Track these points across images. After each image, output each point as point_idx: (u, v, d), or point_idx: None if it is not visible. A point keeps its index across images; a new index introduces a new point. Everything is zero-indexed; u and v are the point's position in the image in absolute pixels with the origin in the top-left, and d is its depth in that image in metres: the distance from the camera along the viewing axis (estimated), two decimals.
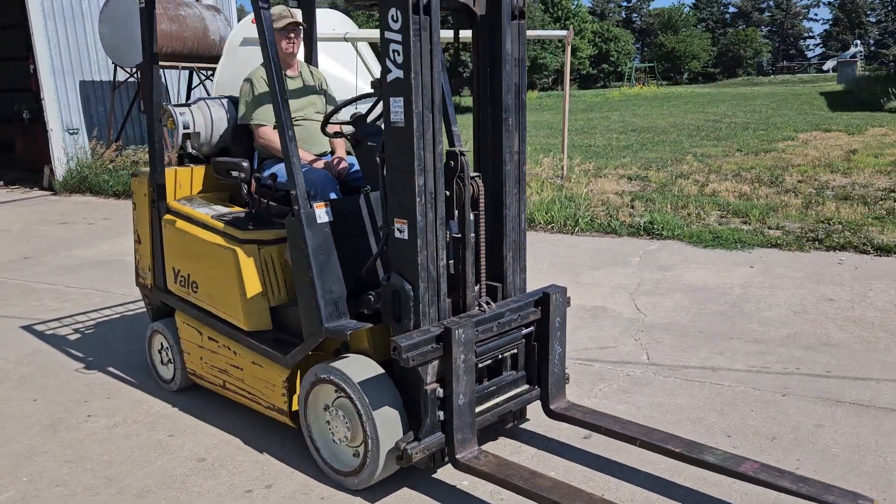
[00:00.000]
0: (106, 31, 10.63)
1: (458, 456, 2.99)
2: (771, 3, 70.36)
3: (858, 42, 55.25)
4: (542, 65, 45.79)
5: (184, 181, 4.03)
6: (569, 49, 10.66)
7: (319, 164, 3.87)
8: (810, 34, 66.78)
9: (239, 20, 13.17)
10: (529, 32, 17.91)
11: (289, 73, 4.00)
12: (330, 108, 4.05)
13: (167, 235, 3.93)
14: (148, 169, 4.14)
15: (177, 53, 10.40)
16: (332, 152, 4.09)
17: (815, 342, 4.67)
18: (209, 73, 11.21)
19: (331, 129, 3.79)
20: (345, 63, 9.85)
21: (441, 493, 3.12)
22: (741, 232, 7.33)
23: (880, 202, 8.41)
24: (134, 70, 10.53)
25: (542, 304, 3.33)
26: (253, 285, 3.51)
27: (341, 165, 3.92)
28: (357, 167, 3.90)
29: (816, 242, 6.96)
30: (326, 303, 3.14)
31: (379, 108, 3.53)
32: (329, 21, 10.31)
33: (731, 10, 71.20)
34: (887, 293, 5.56)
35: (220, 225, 3.67)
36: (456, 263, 3.19)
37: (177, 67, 10.72)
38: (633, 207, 8.58)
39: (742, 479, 2.88)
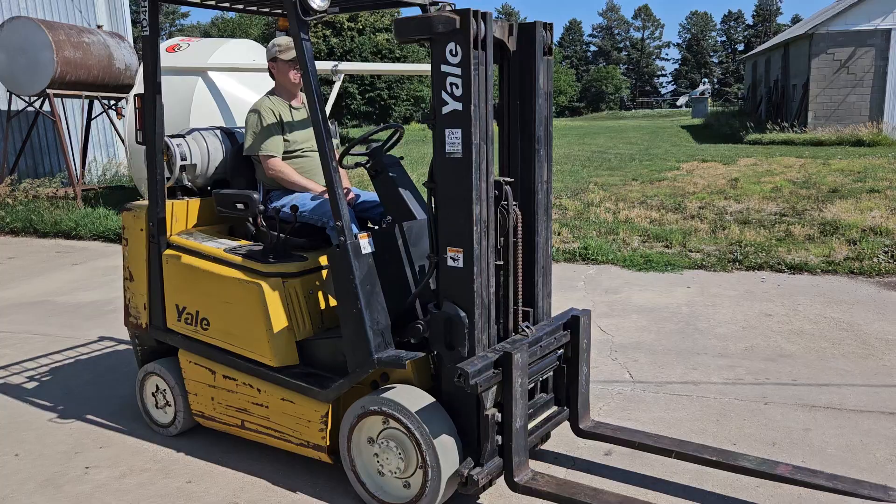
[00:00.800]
0: (1, 58, 9.91)
1: (516, 479, 3.05)
2: (627, 42, 75.37)
3: (706, 80, 60.10)
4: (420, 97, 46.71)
5: (180, 215, 3.89)
6: None
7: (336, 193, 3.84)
8: (663, 73, 71.91)
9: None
10: (417, 67, 18.21)
11: (294, 103, 3.97)
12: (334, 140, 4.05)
13: (169, 271, 3.76)
14: (140, 202, 3.96)
15: (80, 82, 9.85)
16: None
17: (773, 354, 5.08)
18: (112, 102, 10.68)
19: (347, 159, 3.79)
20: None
21: None
22: (668, 255, 7.83)
23: (776, 225, 9.22)
24: (33, 99, 9.84)
25: (572, 326, 3.47)
26: (279, 320, 3.43)
27: (349, 196, 3.91)
28: (364, 198, 3.92)
29: (737, 263, 7.55)
30: (375, 333, 3.13)
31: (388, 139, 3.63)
32: (242, 50, 10.14)
33: (592, 48, 75.70)
34: (813, 307, 6.12)
35: (238, 259, 3.57)
36: (497, 290, 3.27)
37: (79, 96, 10.13)
38: (559, 234, 8.94)
39: (780, 480, 3.11)
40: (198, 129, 4.08)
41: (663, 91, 72.40)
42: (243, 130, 4.26)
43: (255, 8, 4.14)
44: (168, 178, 3.89)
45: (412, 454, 3.06)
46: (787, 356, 5.04)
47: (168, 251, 3.78)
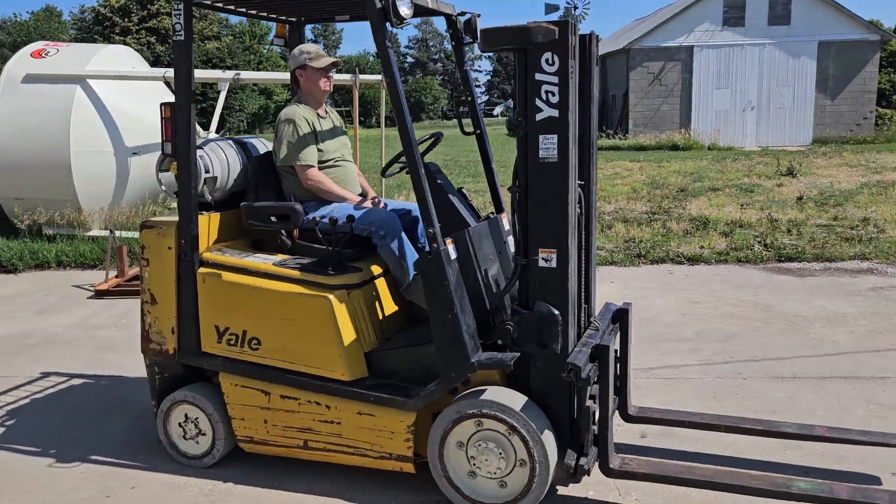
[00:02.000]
0: None
1: (611, 465, 3.22)
2: (442, 54, 77.75)
3: None
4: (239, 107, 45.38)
5: (203, 231, 3.66)
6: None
7: (367, 204, 3.81)
8: (477, 83, 74.93)
9: None
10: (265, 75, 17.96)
11: (320, 112, 3.87)
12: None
13: (207, 291, 3.53)
14: (161, 218, 3.69)
15: None
16: (363, 194, 4.02)
17: (721, 336, 5.64)
18: None
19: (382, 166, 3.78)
20: (155, 102, 9.11)
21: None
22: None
23: (652, 223, 10.09)
24: None
25: (621, 318, 3.71)
26: (348, 333, 3.36)
27: (381, 205, 3.90)
28: (392, 206, 3.93)
29: (641, 258, 8.22)
30: (469, 337, 3.17)
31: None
32: (121, 57, 9.44)
33: (409, 59, 77.27)
34: (727, 293, 6.84)
35: (295, 273, 3.44)
36: (577, 287, 3.42)
37: None
38: None
39: (820, 440, 3.54)
40: (212, 140, 3.86)
41: (479, 101, 75.58)
42: (253, 140, 4.10)
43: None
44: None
45: (511, 453, 3.13)
46: (734, 336, 5.62)
47: (203, 269, 3.55)
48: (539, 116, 3.08)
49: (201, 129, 9.29)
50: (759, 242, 8.66)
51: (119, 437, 4.06)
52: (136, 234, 8.33)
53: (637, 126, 24.97)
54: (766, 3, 24.46)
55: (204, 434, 3.67)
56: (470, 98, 4.05)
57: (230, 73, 8.64)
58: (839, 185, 13.65)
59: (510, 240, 3.95)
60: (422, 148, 3.86)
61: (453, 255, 3.23)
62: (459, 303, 3.16)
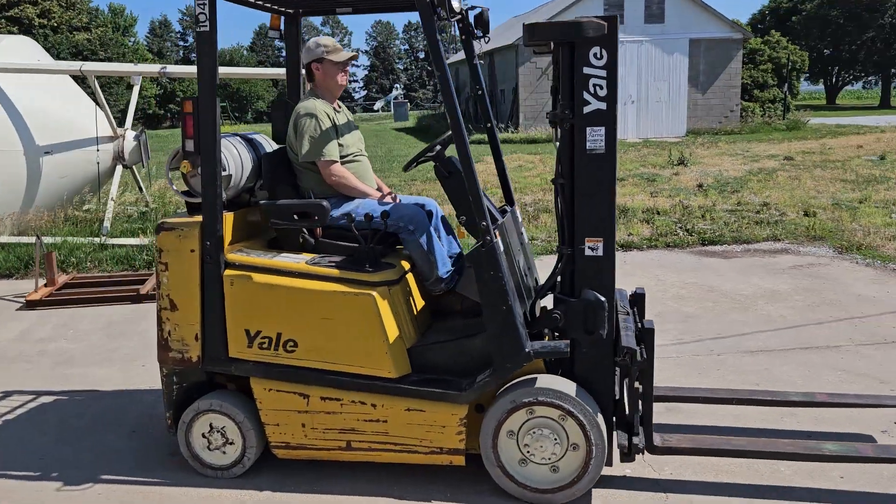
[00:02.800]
0: None
1: (655, 443, 3.36)
2: None
3: (398, 86, 63.53)
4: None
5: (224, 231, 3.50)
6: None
7: (388, 200, 3.76)
8: (354, 78, 74.40)
9: None
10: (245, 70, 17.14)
11: (335, 106, 3.78)
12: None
13: (235, 294, 3.38)
14: (180, 219, 3.49)
15: None
16: (378, 188, 3.96)
17: (681, 316, 5.97)
18: None
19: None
20: (64, 97, 8.48)
21: (623, 483, 3.45)
22: None
23: None
24: None
25: (638, 302, 3.88)
26: (393, 329, 3.32)
27: (397, 200, 3.86)
28: (404, 201, 3.90)
29: None
30: (522, 327, 3.22)
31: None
32: (22, 50, 8.73)
33: (283, 55, 75.39)
34: (670, 276, 7.23)
35: (334, 271, 3.36)
36: None
37: None
38: None
39: (822, 406, 3.84)
40: (224, 137, 3.69)
41: (357, 96, 74.90)
42: (256, 136, 3.95)
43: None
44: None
45: (566, 438, 3.21)
46: (693, 317, 5.96)
47: (230, 272, 3.39)
48: (587, 109, 3.16)
49: (119, 127, 8.77)
50: (681, 228, 9.18)
51: (124, 454, 3.81)
52: (56, 240, 7.76)
53: (527, 120, 25.67)
54: (643, 2, 25.78)
55: (232, 443, 3.52)
56: (481, 92, 4.08)
57: (155, 67, 8.18)
58: (727, 172, 14.64)
59: (524, 231, 4.03)
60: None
61: (502, 247, 3.27)
62: (512, 294, 3.20)
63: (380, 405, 3.35)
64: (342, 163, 3.71)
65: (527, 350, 3.19)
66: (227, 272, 3.40)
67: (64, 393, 4.61)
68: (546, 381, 3.26)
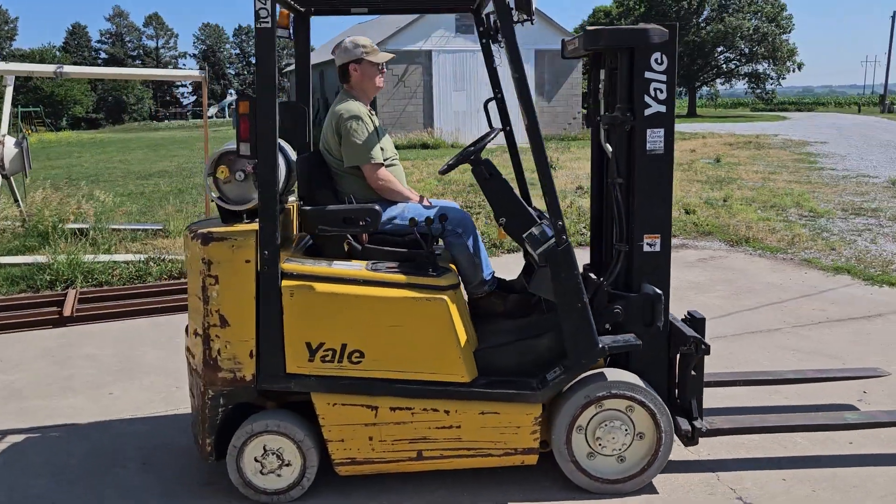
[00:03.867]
0: None
1: (701, 427, 3.57)
2: (141, 51, 72.15)
3: (233, 91, 61.28)
4: None
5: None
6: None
7: (426, 203, 3.71)
8: (183, 83, 70.72)
9: None
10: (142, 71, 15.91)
11: (367, 109, 3.67)
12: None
13: (294, 305, 3.19)
14: (228, 228, 3.24)
15: None
16: None
17: None
18: None
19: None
20: None
21: (672, 467, 3.63)
22: None
23: (479, 215, 10.70)
24: None
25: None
26: (462, 333, 3.29)
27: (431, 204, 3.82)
28: (435, 205, 3.88)
29: (496, 248, 8.73)
30: (594, 323, 3.30)
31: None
32: None
33: (103, 55, 70.43)
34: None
35: (400, 277, 3.27)
36: None
37: None
38: None
39: (810, 381, 4.22)
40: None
41: (185, 102, 71.32)
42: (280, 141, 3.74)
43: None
44: (251, 200, 3.27)
45: (633, 428, 3.34)
46: None
47: (288, 282, 3.20)
48: (647, 112, 3.31)
49: None
50: (585, 228, 9.67)
51: (150, 489, 3.46)
52: None
53: (386, 126, 25.72)
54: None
55: (289, 465, 3.31)
56: (500, 95, 4.12)
57: (52, 68, 7.38)
58: None
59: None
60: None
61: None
62: (585, 291, 3.28)
63: (453, 411, 3.30)
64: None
65: (600, 346, 3.29)
66: (286, 283, 3.20)
67: (34, 430, 4.09)
68: (614, 374, 3.36)
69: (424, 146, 24.36)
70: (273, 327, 3.20)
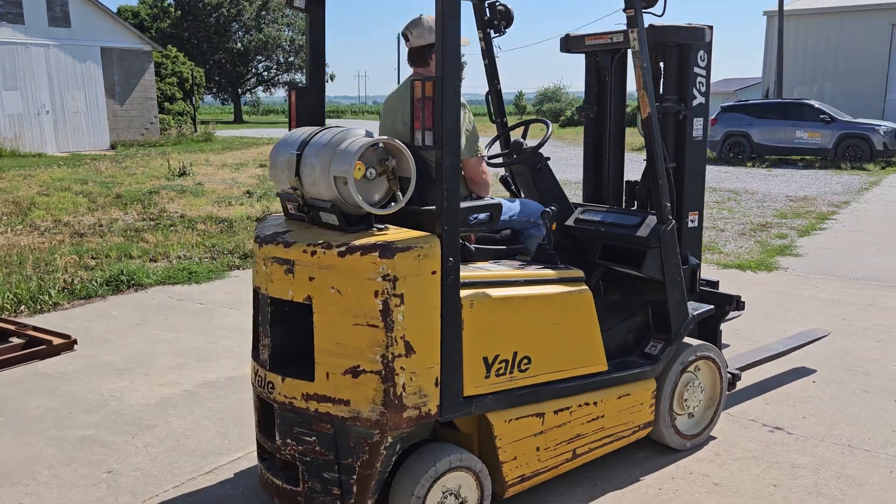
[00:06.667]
0: None
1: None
2: None
3: None
4: None
5: None
6: None
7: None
8: None
9: None
10: None
11: None
12: None
13: (473, 317, 2.77)
14: (403, 235, 2.66)
15: None
16: None
17: None
18: None
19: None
20: None
21: None
22: (199, 264, 7.52)
23: (174, 228, 9.58)
24: None
25: None
26: (598, 322, 3.28)
27: None
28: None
29: (235, 269, 8.03)
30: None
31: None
32: None
33: None
34: None
35: (550, 273, 3.10)
36: None
37: None
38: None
39: (787, 353, 4.87)
40: (346, 128, 2.87)
41: None
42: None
43: None
44: (397, 200, 2.75)
45: (700, 385, 3.75)
46: None
47: (465, 292, 2.77)
48: (694, 103, 3.71)
49: None
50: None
51: None
52: None
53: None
54: (44, 2, 23.21)
55: (465, 502, 2.88)
56: (498, 86, 4.03)
57: None
58: (242, 180, 14.95)
59: None
60: (519, 132, 3.80)
61: None
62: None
63: (599, 401, 3.26)
64: None
65: (692, 315, 3.59)
66: (466, 293, 2.77)
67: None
68: (689, 340, 3.70)
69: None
70: (456, 346, 2.75)
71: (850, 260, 7.93)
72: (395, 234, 2.70)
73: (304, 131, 2.98)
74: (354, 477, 2.71)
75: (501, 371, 2.91)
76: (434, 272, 2.66)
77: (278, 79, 56.40)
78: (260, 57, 54.26)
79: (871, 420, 4.05)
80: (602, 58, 4.00)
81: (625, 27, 3.23)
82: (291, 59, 54.16)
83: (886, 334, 5.50)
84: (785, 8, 25.54)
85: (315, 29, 3.35)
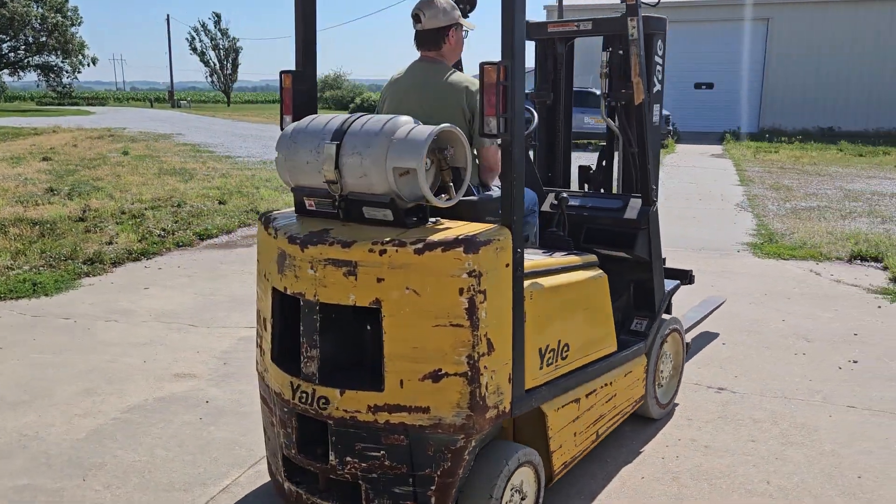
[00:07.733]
0: None
1: None
2: None
3: None
4: None
5: None
6: None
7: None
8: None
9: None
10: None
11: None
12: None
13: (533, 308, 2.70)
14: (477, 228, 2.53)
15: None
16: None
17: None
18: None
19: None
20: None
21: None
22: (39, 273, 6.56)
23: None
24: None
25: None
26: (611, 304, 3.36)
27: None
28: None
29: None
30: None
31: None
32: None
33: None
34: None
35: (574, 259, 3.12)
36: None
37: None
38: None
39: (691, 329, 5.27)
40: (391, 117, 2.67)
41: None
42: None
43: None
44: (448, 191, 2.63)
45: (668, 354, 3.99)
46: None
47: (528, 281, 2.71)
48: (654, 90, 3.89)
49: None
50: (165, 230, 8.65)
51: None
52: None
53: None
54: None
55: (525, 498, 2.82)
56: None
57: None
58: (32, 175, 13.23)
59: None
60: None
61: None
62: None
63: (613, 381, 3.34)
64: None
65: (666, 290, 3.80)
66: (529, 283, 2.70)
67: None
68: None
69: None
70: (521, 339, 2.68)
71: (677, 232, 8.75)
72: (461, 227, 2.56)
73: (326, 118, 2.71)
74: (433, 488, 2.54)
75: (550, 360, 2.88)
76: (507, 265, 2.56)
77: (28, 61, 50.32)
78: (3, 36, 48.02)
79: (787, 373, 4.56)
80: (559, 45, 4.07)
81: (596, 16, 3.30)
82: (43, 39, 48.55)
83: (753, 297, 6.19)
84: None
85: (306, 12, 3.04)
